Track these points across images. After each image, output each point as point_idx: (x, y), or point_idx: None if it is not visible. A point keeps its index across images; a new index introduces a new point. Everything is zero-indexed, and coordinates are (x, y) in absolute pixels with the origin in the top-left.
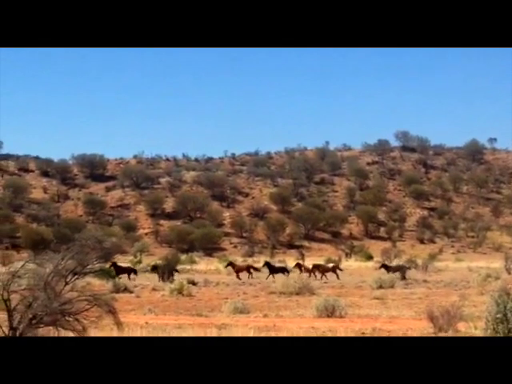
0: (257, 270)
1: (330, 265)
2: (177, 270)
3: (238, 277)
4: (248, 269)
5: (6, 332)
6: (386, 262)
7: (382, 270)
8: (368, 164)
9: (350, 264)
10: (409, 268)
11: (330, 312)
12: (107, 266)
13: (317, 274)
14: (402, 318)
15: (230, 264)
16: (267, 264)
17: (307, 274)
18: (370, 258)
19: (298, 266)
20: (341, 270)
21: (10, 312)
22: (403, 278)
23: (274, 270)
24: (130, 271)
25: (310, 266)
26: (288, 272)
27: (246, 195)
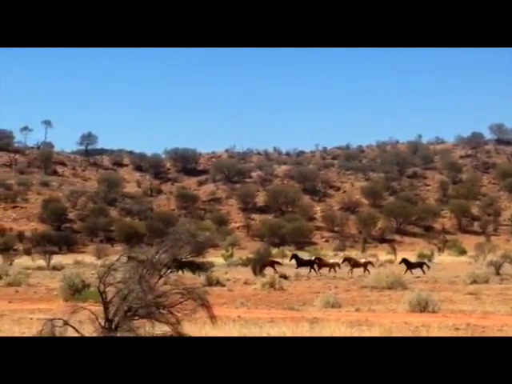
0: (280, 264)
1: (362, 260)
2: (199, 265)
3: (262, 271)
4: (272, 264)
5: (103, 323)
6: (407, 258)
7: (474, 264)
8: (461, 157)
9: (443, 259)
10: (427, 265)
11: (422, 307)
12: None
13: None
14: (496, 313)
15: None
16: (295, 256)
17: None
18: (463, 252)
19: (319, 259)
20: (373, 265)
21: (105, 304)
22: (497, 273)
23: (301, 263)
24: (312, 263)
25: (332, 261)
26: (316, 263)
27: (338, 189)
